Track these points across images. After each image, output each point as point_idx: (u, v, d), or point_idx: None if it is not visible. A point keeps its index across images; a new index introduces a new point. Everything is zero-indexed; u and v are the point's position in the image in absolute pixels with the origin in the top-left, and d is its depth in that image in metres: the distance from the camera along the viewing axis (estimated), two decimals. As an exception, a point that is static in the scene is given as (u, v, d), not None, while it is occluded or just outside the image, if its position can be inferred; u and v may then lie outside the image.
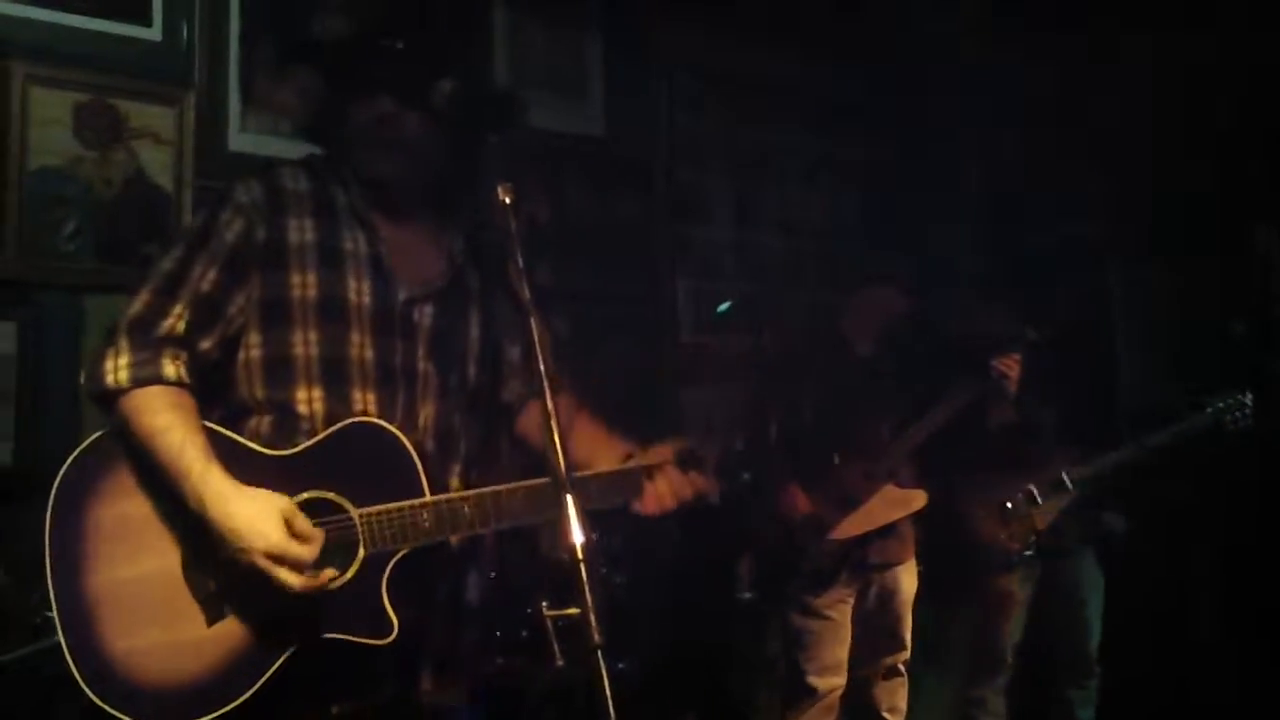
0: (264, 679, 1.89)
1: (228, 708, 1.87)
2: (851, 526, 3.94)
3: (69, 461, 1.99)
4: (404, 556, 1.95)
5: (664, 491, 2.13)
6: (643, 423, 4.57)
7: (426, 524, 1.95)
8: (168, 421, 1.91)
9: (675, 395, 4.75)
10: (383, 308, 2.08)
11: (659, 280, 4.88)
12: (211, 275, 2.02)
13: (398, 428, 1.99)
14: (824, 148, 5.51)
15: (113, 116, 3.63)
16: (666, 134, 4.94)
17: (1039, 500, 4.27)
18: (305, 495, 1.95)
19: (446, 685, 2.13)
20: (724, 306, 4.30)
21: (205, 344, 2.02)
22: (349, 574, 1.92)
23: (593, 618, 1.65)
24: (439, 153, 2.11)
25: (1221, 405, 4.13)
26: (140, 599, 1.93)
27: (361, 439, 1.98)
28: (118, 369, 1.95)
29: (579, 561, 1.67)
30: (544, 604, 1.72)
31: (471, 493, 1.99)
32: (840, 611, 3.99)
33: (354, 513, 1.94)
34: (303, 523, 1.88)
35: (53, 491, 1.97)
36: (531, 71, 4.55)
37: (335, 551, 1.92)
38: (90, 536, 1.95)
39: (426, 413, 2.08)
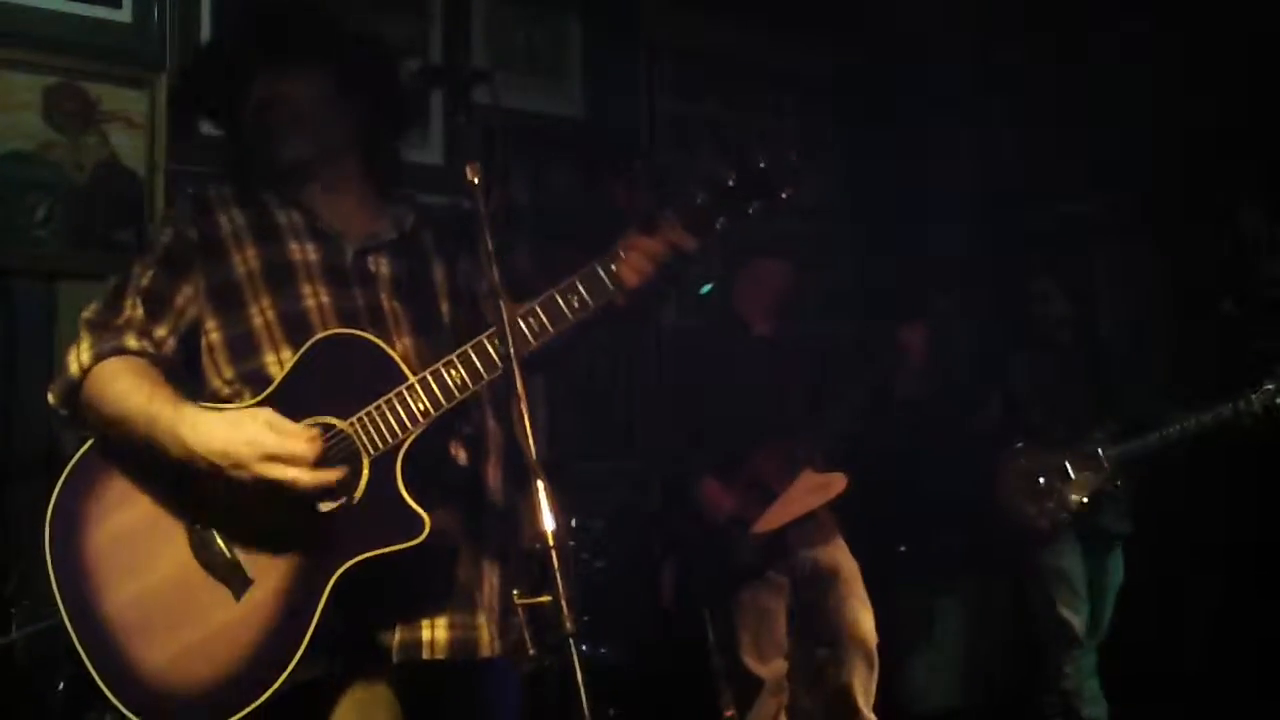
0: (312, 629, 1.81)
1: (289, 669, 1.80)
2: (774, 518, 3.81)
3: (52, 501, 1.94)
4: (412, 452, 1.87)
5: (637, 261, 1.92)
6: (624, 405, 4.61)
7: (421, 405, 1.87)
8: (132, 383, 1.90)
9: (657, 378, 4.71)
10: (333, 262, 2.06)
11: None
12: (151, 273, 2.04)
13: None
14: (811, 130, 5.48)
15: (84, 100, 3.58)
16: (648, 115, 4.89)
17: (1072, 477, 4.24)
18: None
19: (504, 620, 2.02)
20: (706, 288, 4.24)
21: (160, 331, 2.02)
22: (361, 486, 1.85)
23: (565, 605, 1.62)
24: (343, 118, 2.10)
25: (1273, 387, 3.93)
26: (161, 606, 1.88)
27: (329, 354, 1.92)
28: (80, 355, 1.96)
29: (551, 548, 1.64)
30: (515, 592, 1.68)
31: (452, 355, 1.90)
32: (773, 599, 3.89)
33: (342, 424, 1.87)
34: (291, 424, 1.83)
35: (45, 532, 1.93)
36: (511, 52, 4.50)
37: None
38: (93, 563, 1.91)
39: (403, 347, 2.00)
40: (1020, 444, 4.33)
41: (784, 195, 1.90)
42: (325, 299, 2.01)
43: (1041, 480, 4.24)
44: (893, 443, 4.46)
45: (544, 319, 1.90)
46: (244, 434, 1.80)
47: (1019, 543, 4.35)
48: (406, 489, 1.85)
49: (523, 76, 4.49)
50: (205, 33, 3.73)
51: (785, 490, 3.83)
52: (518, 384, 1.73)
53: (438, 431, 1.93)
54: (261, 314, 1.99)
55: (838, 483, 3.89)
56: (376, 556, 1.83)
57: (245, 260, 2.03)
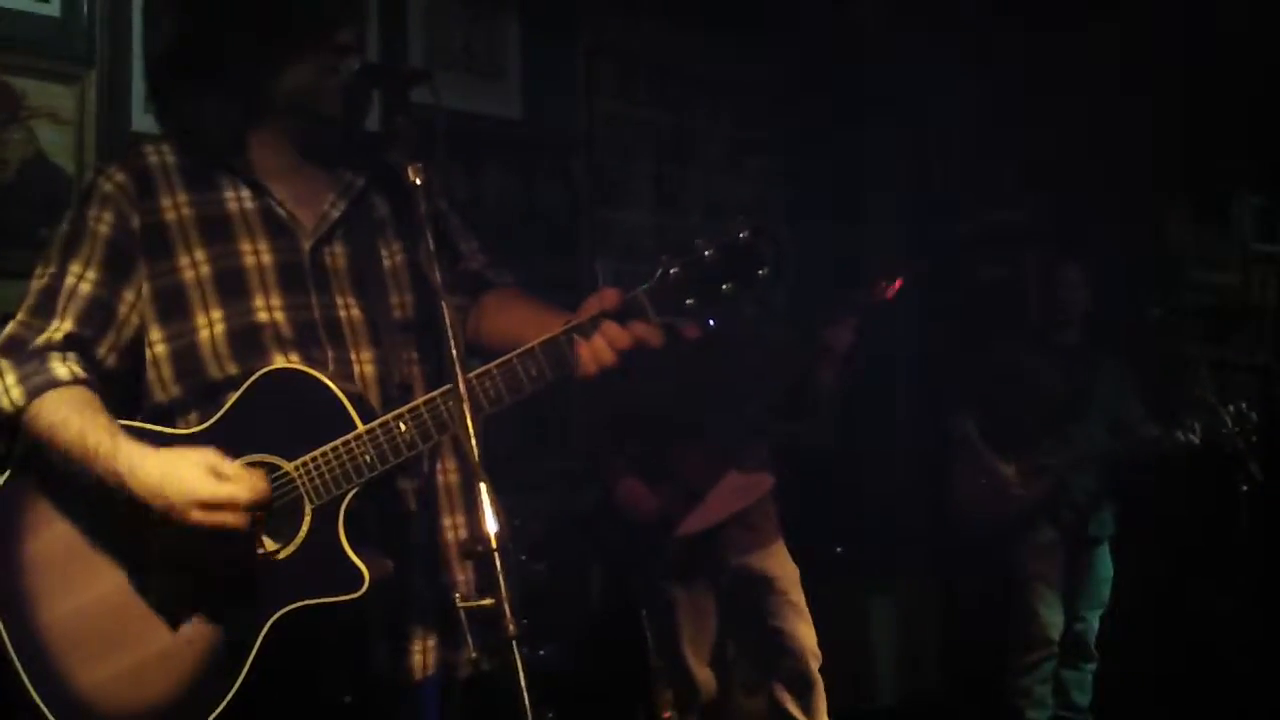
0: (245, 670, 1.78)
1: (218, 711, 1.77)
2: (698, 520, 3.72)
3: None
4: (357, 500, 1.82)
5: (599, 346, 1.84)
6: (559, 403, 4.59)
7: (367, 457, 1.81)
8: (64, 415, 1.81)
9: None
10: (288, 261, 1.95)
11: (579, 264, 4.83)
12: (91, 275, 1.91)
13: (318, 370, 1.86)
14: (749, 133, 5.51)
15: (9, 95, 3.48)
16: (586, 117, 4.89)
17: (1018, 482, 4.26)
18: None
19: (453, 646, 1.98)
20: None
21: (100, 350, 1.92)
22: (302, 533, 1.80)
23: (508, 608, 1.61)
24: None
25: (1230, 412, 3.97)
26: (97, 625, 1.83)
27: (276, 390, 1.85)
28: (8, 390, 1.85)
29: (493, 551, 1.63)
30: (456, 595, 1.67)
31: (403, 409, 1.84)
32: (709, 601, 3.84)
33: (287, 466, 1.81)
34: (231, 467, 1.76)
35: None
36: (449, 52, 4.47)
37: (282, 515, 1.81)
38: (31, 574, 1.85)
39: (364, 361, 1.95)
40: (972, 444, 4.36)
41: (760, 273, 1.80)
42: (279, 314, 1.92)
43: (984, 483, 4.28)
44: (826, 441, 4.46)
45: (501, 387, 1.83)
46: (179, 480, 1.74)
47: (978, 544, 4.40)
48: (348, 541, 1.81)
49: (460, 76, 4.45)
50: (136, 27, 3.66)
51: (710, 489, 3.75)
52: (460, 387, 1.72)
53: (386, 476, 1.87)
54: (210, 327, 1.89)
55: (763, 482, 3.83)
56: (313, 606, 1.79)
57: (194, 264, 1.91)
